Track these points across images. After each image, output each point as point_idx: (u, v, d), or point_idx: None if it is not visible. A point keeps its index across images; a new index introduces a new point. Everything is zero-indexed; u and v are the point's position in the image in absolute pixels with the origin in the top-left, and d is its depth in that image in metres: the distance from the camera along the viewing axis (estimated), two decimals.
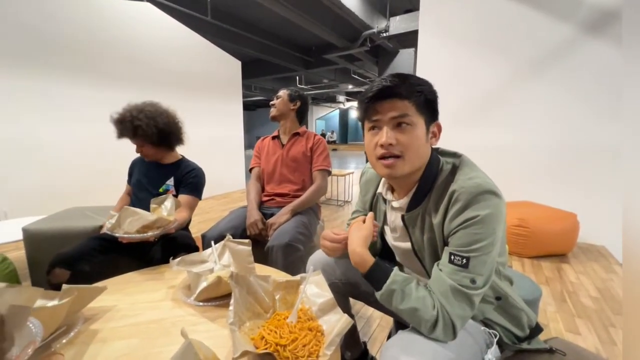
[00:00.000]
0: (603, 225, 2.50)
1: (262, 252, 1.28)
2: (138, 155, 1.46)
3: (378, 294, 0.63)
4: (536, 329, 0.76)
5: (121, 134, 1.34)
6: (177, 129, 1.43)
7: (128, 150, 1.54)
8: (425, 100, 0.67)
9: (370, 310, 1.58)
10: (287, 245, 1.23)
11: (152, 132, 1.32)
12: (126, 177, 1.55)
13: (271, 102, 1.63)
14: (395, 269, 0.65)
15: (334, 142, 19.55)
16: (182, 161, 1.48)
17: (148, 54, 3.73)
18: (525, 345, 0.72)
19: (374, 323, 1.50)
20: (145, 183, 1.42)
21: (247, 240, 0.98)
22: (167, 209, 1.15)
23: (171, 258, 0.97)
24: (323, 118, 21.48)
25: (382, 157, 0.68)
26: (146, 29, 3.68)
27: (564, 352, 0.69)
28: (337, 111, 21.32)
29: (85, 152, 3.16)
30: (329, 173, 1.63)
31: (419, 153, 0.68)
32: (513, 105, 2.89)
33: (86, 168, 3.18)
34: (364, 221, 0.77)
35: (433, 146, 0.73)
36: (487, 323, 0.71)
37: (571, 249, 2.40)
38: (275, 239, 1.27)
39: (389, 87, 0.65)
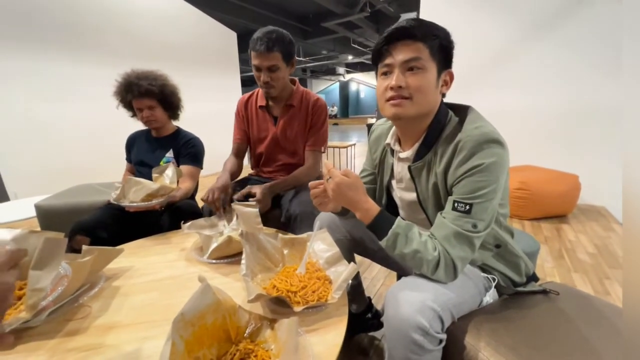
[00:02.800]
0: (604, 185, 2.52)
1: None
2: (134, 131, 1.49)
3: (384, 240, 0.65)
4: (533, 277, 0.80)
5: (145, 92, 1.30)
6: (179, 98, 1.46)
7: (129, 127, 1.55)
8: (439, 45, 0.66)
9: (375, 271, 1.66)
10: (311, 214, 1.13)
11: (175, 92, 1.40)
12: (125, 155, 1.55)
13: (264, 81, 1.21)
14: (399, 217, 0.67)
15: (335, 117, 19.18)
16: (179, 132, 1.49)
17: (139, 27, 3.61)
18: (521, 289, 0.76)
19: (378, 282, 1.57)
20: (146, 157, 1.44)
21: (254, 203, 1.01)
22: (169, 177, 1.18)
23: (182, 222, 1.00)
24: (323, 92, 20.92)
25: (391, 99, 0.68)
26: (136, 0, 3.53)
27: (557, 292, 0.73)
28: (337, 84, 20.73)
29: (86, 130, 3.16)
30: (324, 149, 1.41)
31: (428, 98, 0.68)
32: (515, 68, 2.82)
33: (89, 146, 3.19)
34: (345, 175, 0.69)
35: (443, 95, 0.72)
36: (485, 269, 0.75)
37: (571, 210, 2.43)
38: (298, 206, 1.19)
39: (404, 28, 0.65)
